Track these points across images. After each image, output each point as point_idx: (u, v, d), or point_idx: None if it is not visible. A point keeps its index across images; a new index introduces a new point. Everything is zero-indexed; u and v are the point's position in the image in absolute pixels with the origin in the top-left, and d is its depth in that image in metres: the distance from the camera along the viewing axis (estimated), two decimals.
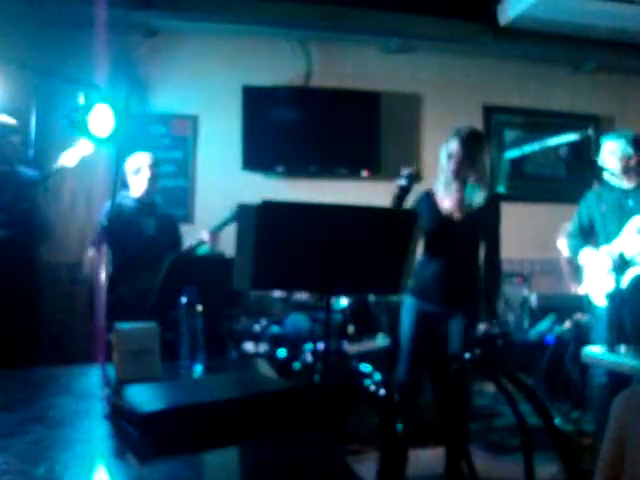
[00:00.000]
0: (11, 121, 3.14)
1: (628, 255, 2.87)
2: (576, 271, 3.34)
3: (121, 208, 3.25)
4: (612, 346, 2.38)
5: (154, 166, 3.33)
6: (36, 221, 3.10)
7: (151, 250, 3.20)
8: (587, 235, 3.20)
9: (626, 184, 3.02)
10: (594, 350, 2.43)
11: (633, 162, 2.98)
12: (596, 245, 3.13)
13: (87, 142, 2.84)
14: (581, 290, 3.23)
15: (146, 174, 3.28)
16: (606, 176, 3.05)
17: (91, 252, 3.25)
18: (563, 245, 3.34)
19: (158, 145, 4.27)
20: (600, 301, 3.00)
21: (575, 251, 3.21)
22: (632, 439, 1.50)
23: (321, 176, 4.51)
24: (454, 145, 2.72)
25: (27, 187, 3.02)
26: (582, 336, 3.55)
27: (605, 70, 5.01)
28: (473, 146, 2.72)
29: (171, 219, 3.49)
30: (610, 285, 2.92)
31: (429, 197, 2.86)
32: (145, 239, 3.23)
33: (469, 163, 2.70)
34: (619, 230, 2.93)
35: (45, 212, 3.13)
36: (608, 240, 3.00)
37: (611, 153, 3.03)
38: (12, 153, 3.12)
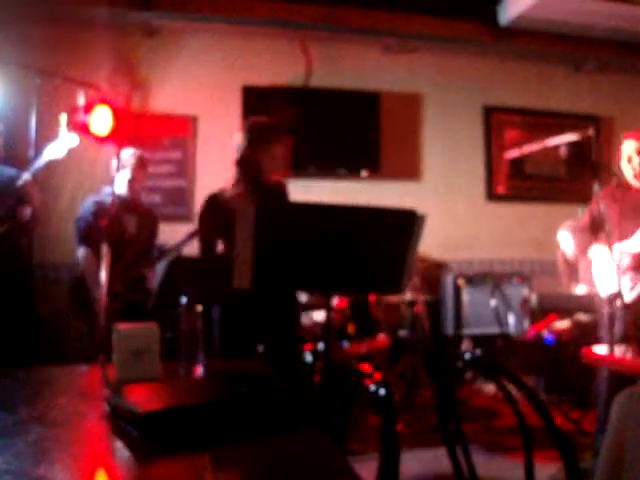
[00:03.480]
0: None
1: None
2: (574, 270, 3.31)
3: (103, 206, 3.20)
4: (612, 346, 2.37)
5: (139, 163, 3.31)
6: (22, 218, 3.07)
7: (132, 248, 3.22)
8: (596, 231, 3.16)
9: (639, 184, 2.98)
10: (596, 350, 2.43)
11: None
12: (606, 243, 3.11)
13: (72, 134, 2.83)
14: (580, 289, 3.21)
15: (129, 171, 3.27)
16: (625, 177, 2.99)
17: (82, 251, 3.24)
18: (564, 238, 3.30)
19: (158, 145, 4.27)
20: (609, 298, 2.96)
21: (582, 245, 3.16)
22: (632, 439, 1.50)
23: (321, 176, 4.51)
24: (239, 138, 2.47)
25: (9, 184, 2.98)
26: (582, 336, 3.55)
27: (605, 70, 5.01)
28: (254, 138, 2.47)
29: (152, 216, 3.49)
30: (615, 285, 2.89)
31: (217, 199, 2.52)
32: (126, 238, 3.23)
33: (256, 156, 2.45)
34: (633, 232, 2.90)
35: (35, 206, 3.09)
36: (621, 241, 2.97)
37: (628, 153, 2.98)
38: None
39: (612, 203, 3.05)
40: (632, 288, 2.86)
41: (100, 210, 3.18)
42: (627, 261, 2.86)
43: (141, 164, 3.34)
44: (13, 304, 3.07)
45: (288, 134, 2.53)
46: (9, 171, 3.12)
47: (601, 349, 2.42)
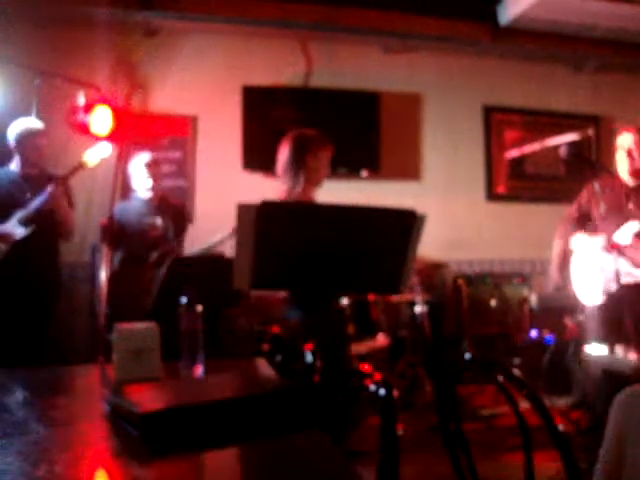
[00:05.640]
0: (37, 125, 3.17)
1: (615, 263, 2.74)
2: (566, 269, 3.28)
3: (127, 210, 3.36)
4: (611, 345, 2.37)
5: (151, 165, 3.39)
6: (57, 219, 3.14)
7: (163, 248, 3.27)
8: (582, 224, 3.13)
9: (631, 180, 2.92)
10: (594, 349, 2.43)
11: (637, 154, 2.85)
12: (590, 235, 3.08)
13: (106, 144, 2.89)
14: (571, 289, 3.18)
15: (144, 174, 3.36)
16: (618, 171, 2.93)
17: (106, 249, 3.28)
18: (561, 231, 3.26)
19: (158, 145, 4.27)
20: (590, 299, 2.94)
21: (565, 236, 3.12)
22: (632, 439, 1.50)
23: None
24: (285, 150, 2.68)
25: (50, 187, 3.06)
26: (582, 336, 3.55)
27: (605, 70, 5.01)
28: (303, 148, 2.68)
29: (183, 217, 3.56)
30: (599, 283, 2.86)
31: None
32: (150, 240, 3.28)
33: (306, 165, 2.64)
34: (615, 232, 2.85)
35: (63, 213, 3.17)
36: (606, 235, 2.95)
37: (620, 146, 2.92)
38: (38, 156, 3.16)
39: (599, 197, 3.02)
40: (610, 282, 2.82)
41: (121, 214, 3.29)
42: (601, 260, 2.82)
43: (155, 165, 3.43)
44: (36, 306, 3.11)
45: (331, 145, 2.74)
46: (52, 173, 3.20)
47: (599, 349, 2.42)
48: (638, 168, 2.88)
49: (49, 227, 3.12)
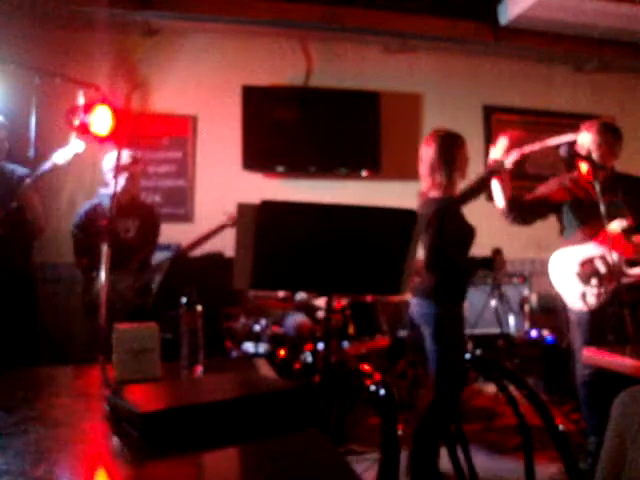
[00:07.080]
0: None
1: (610, 262, 2.68)
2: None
3: (97, 210, 3.14)
4: (609, 346, 2.36)
5: (133, 164, 3.21)
6: (27, 219, 3.04)
7: (127, 253, 3.12)
8: (543, 209, 3.04)
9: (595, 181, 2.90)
10: (594, 350, 2.42)
11: (600, 152, 2.81)
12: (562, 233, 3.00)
13: (79, 141, 2.84)
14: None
15: (124, 173, 3.17)
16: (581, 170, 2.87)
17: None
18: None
19: (158, 145, 4.28)
20: (575, 304, 2.89)
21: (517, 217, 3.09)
22: (632, 439, 1.50)
23: (321, 176, 4.50)
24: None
25: (17, 185, 2.96)
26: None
27: (605, 70, 5.01)
28: (449, 145, 2.78)
29: (154, 217, 3.40)
30: (581, 290, 2.83)
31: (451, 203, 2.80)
32: (120, 243, 3.10)
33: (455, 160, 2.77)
34: (589, 234, 2.80)
35: (36, 211, 3.06)
36: (574, 240, 2.90)
37: (580, 147, 2.87)
38: None
39: (564, 195, 2.97)
40: (598, 295, 2.76)
41: (93, 213, 3.13)
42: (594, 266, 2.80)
43: (134, 164, 3.24)
44: (16, 306, 3.07)
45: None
46: (21, 170, 3.08)
47: (597, 348, 2.41)
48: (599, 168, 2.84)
49: (19, 225, 3.01)
